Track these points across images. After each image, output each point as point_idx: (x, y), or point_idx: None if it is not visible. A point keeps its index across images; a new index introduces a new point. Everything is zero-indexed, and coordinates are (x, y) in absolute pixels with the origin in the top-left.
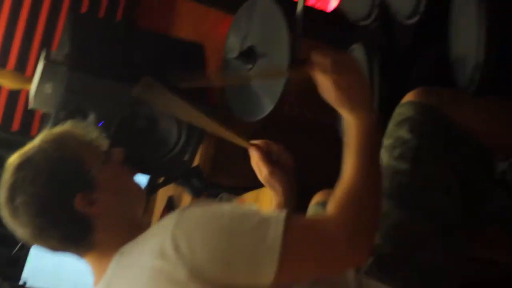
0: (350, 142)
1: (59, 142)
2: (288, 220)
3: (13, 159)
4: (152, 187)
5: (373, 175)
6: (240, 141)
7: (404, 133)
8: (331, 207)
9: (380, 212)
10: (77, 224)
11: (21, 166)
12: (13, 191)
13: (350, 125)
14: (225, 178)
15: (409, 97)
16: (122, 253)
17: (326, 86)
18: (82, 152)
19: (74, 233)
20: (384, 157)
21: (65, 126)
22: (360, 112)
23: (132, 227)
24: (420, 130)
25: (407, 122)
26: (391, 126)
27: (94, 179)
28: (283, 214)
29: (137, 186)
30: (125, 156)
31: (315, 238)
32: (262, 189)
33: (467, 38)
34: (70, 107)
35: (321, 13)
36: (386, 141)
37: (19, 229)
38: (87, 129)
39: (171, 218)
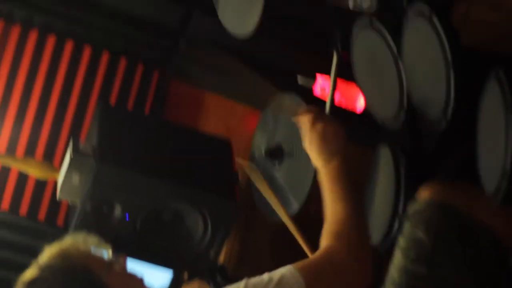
0: (330, 184)
1: (64, 256)
2: (300, 270)
3: (23, 278)
4: (176, 281)
5: (352, 204)
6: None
7: (420, 234)
8: (326, 241)
9: (365, 228)
10: None
11: (31, 284)
12: None
13: (329, 169)
14: (250, 273)
15: (425, 194)
16: None
17: (313, 135)
18: (88, 262)
19: None
20: (398, 257)
21: (66, 240)
22: (337, 157)
23: None
24: (436, 231)
25: (423, 223)
26: (406, 225)
27: (105, 285)
28: (292, 267)
29: None
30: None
31: (329, 272)
32: None
33: (494, 147)
34: (97, 199)
35: (349, 113)
36: (401, 241)
37: None
38: (88, 239)
39: None
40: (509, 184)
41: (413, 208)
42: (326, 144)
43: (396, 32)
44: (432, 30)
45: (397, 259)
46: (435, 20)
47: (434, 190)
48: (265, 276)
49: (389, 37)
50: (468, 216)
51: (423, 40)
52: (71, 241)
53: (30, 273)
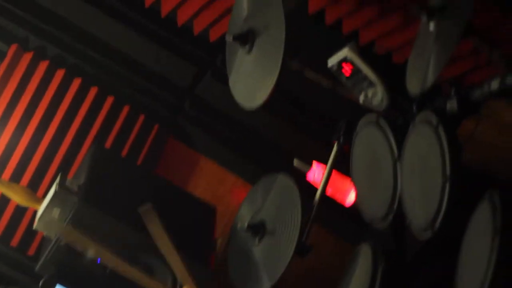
0: None
1: None
2: None
3: None
4: None
5: None
6: None
7: None
8: None
9: None
10: None
11: None
12: None
13: None
14: None
15: None
16: None
17: None
18: None
19: None
20: None
21: None
22: None
23: None
24: None
25: None
26: None
27: None
28: None
29: None
30: None
31: None
32: None
33: (474, 267)
34: None
35: (337, 205)
36: None
37: None
38: None
39: None
40: None
41: None
42: None
43: (400, 134)
44: (436, 139)
45: None
46: (441, 131)
47: None
48: None
49: (392, 138)
50: None
51: (425, 147)
52: None
53: None
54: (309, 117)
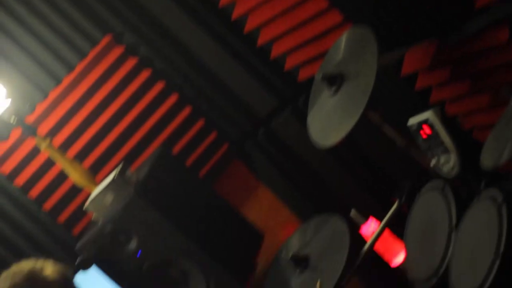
0: None
1: None
2: None
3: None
4: None
5: None
6: None
7: None
8: None
9: None
10: None
11: None
12: None
13: None
14: None
15: None
16: None
17: None
18: None
19: None
20: None
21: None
22: None
23: None
24: None
25: None
26: None
27: None
28: None
29: None
30: None
31: None
32: None
33: None
34: (119, 226)
35: (383, 262)
36: None
37: None
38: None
39: None
40: None
41: None
42: None
43: (462, 207)
44: (497, 216)
45: None
46: (504, 209)
47: None
48: None
49: (453, 207)
50: None
51: (484, 222)
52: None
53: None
54: (375, 173)
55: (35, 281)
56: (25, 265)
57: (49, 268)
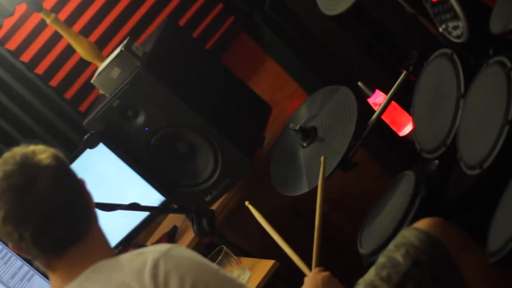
0: None
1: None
2: None
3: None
4: (163, 209)
5: None
6: (300, 264)
7: (398, 256)
8: None
9: None
10: (85, 205)
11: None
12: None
13: None
14: (232, 234)
15: (420, 223)
16: (95, 270)
17: (322, 275)
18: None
19: (82, 212)
20: (370, 273)
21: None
22: None
23: (109, 244)
24: (415, 257)
25: (405, 247)
26: (391, 245)
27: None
28: None
29: None
30: None
31: None
32: (260, 260)
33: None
34: (127, 100)
35: (390, 133)
36: (380, 259)
37: None
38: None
39: (161, 248)
40: None
41: (403, 231)
42: (327, 286)
43: (470, 74)
44: (505, 82)
45: (369, 273)
46: None
47: (435, 224)
48: None
49: (461, 74)
50: (453, 260)
51: (493, 88)
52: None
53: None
54: (383, 42)
55: (28, 167)
56: (16, 151)
57: (42, 153)
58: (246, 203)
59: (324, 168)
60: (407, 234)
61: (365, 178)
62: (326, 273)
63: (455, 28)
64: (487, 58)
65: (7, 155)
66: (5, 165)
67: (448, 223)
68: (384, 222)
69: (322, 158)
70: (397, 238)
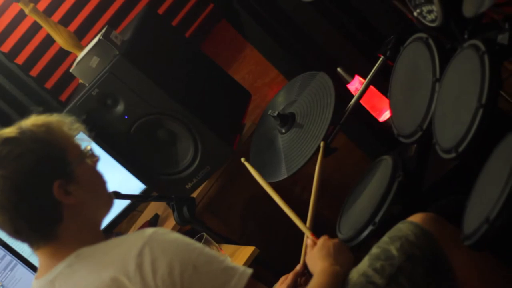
0: (323, 279)
1: (48, 128)
2: (251, 277)
3: (1, 132)
4: (144, 197)
5: None
6: (301, 225)
7: (393, 249)
8: None
9: None
10: (50, 209)
11: (8, 141)
12: None
13: (329, 271)
14: (212, 221)
15: (415, 218)
16: (78, 256)
17: (328, 243)
18: (67, 144)
19: (44, 217)
20: (364, 262)
21: (54, 117)
22: (341, 268)
23: (94, 231)
24: (409, 252)
25: (400, 240)
26: (385, 237)
27: (73, 172)
28: (249, 270)
29: (108, 193)
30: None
31: None
32: (241, 247)
33: (488, 193)
34: (106, 88)
35: (370, 118)
36: (374, 249)
37: None
38: (74, 125)
39: (143, 234)
40: (488, 230)
41: (399, 224)
42: (338, 253)
43: (446, 58)
44: (479, 66)
45: (363, 263)
46: (486, 58)
47: (430, 220)
48: None
49: (437, 58)
50: (444, 255)
51: (467, 72)
52: (59, 119)
53: (9, 131)
54: (361, 27)
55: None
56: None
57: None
58: (242, 159)
59: (323, 153)
60: (403, 228)
61: (346, 164)
62: (336, 240)
63: (430, 12)
64: (462, 42)
65: None
66: None
67: (442, 219)
68: (362, 207)
69: (321, 144)
70: (393, 231)
